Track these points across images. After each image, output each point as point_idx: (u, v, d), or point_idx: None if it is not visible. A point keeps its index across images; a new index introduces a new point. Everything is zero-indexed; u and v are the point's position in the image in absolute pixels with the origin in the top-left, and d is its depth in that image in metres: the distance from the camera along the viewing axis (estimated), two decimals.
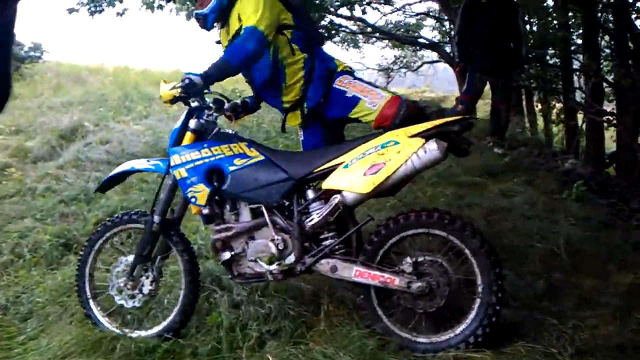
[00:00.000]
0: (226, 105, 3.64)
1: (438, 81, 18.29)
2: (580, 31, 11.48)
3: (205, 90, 3.46)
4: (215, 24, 3.68)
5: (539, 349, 2.95)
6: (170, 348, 3.22)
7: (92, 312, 3.66)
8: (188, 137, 3.48)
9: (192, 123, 3.48)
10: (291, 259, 3.24)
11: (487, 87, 7.34)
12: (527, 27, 11.71)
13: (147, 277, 3.58)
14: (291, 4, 3.58)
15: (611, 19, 10.76)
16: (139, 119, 10.20)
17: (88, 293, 3.70)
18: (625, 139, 9.09)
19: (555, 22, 11.56)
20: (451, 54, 13.52)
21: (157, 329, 3.51)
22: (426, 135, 2.98)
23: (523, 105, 13.46)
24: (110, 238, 3.76)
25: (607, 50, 12.26)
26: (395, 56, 18.05)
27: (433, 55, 17.34)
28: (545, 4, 11.99)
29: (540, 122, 14.62)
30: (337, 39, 16.83)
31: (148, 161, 3.73)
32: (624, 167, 9.36)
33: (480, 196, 5.32)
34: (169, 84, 3.33)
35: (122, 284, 3.59)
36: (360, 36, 17.16)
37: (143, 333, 3.50)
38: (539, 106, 13.69)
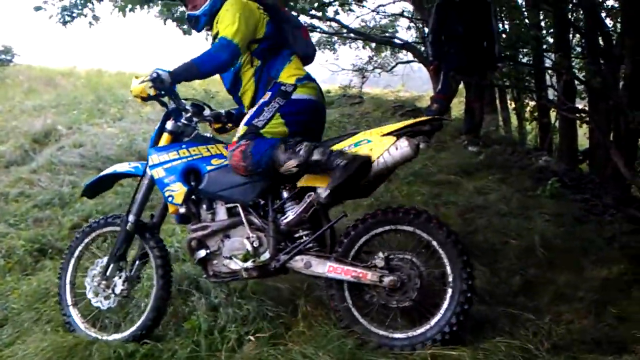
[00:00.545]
0: (207, 112, 3.69)
1: (413, 81, 18.36)
2: (552, 30, 11.61)
3: (185, 98, 3.52)
4: (206, 27, 3.69)
5: (515, 345, 2.98)
6: (149, 352, 3.19)
7: (72, 320, 3.64)
8: (165, 138, 3.53)
9: (169, 124, 3.54)
10: (266, 256, 3.27)
11: (461, 85, 7.38)
12: (500, 26, 11.80)
13: (120, 277, 3.59)
14: (275, 12, 3.58)
15: (582, 17, 10.88)
16: (112, 121, 10.13)
17: (69, 300, 3.69)
18: (598, 135, 9.20)
19: (527, 21, 11.67)
20: (425, 54, 13.59)
21: (130, 330, 3.51)
22: (398, 134, 3.05)
23: (497, 103, 13.55)
24: (89, 244, 3.77)
25: (578, 49, 12.40)
26: (369, 57, 18.09)
27: (408, 55, 17.40)
28: (517, 3, 12.10)
29: (514, 120, 14.75)
30: (313, 40, 16.80)
31: (129, 164, 3.77)
32: (597, 163, 9.47)
33: (455, 194, 5.36)
34: (139, 78, 3.32)
35: (96, 284, 3.59)
36: (336, 38, 17.17)
37: (118, 335, 3.49)
38: (513, 104, 13.82)
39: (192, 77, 3.38)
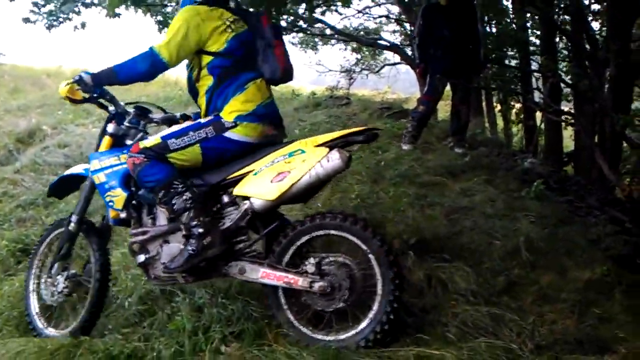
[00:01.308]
0: (158, 115, 3.75)
1: (400, 82, 18.43)
2: (539, 33, 11.69)
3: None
4: None
5: (499, 345, 3.01)
6: (133, 352, 3.17)
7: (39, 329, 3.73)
8: (106, 142, 3.60)
9: (110, 127, 3.61)
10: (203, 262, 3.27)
11: (448, 88, 7.39)
12: (487, 29, 11.87)
13: (63, 275, 3.67)
14: (252, 24, 3.46)
15: (568, 20, 10.96)
16: (98, 122, 10.06)
17: (40, 325, 3.77)
18: (583, 138, 9.28)
19: (514, 24, 11.74)
20: (412, 56, 13.62)
21: (65, 330, 3.62)
22: (331, 145, 3.11)
23: (483, 106, 13.62)
24: (45, 253, 3.86)
25: (565, 52, 12.50)
26: (357, 58, 18.12)
27: (395, 57, 17.46)
28: (504, 6, 12.17)
29: (500, 122, 14.84)
30: (295, 40, 16.90)
31: (82, 166, 3.85)
32: (582, 165, 9.56)
33: (441, 195, 5.36)
34: (66, 81, 3.40)
35: (43, 282, 3.72)
36: (318, 38, 17.21)
37: (55, 332, 3.64)
38: (499, 107, 13.90)
39: (112, 82, 3.40)
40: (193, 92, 3.51)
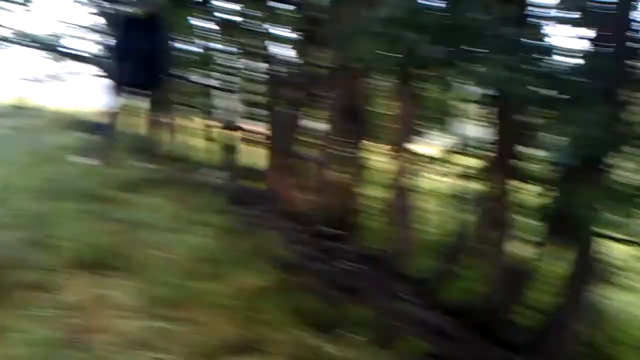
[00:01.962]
0: None
1: (92, 94, 17.73)
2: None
3: None
4: None
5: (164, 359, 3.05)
6: None
7: None
8: None
9: None
10: None
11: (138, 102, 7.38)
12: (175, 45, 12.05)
13: None
14: None
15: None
16: None
17: None
18: (268, 153, 9.89)
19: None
20: (104, 68, 13.28)
21: None
22: None
23: (173, 120, 13.76)
24: None
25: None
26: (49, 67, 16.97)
27: (88, 68, 16.79)
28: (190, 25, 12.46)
29: (191, 137, 15.11)
30: None
31: None
32: (262, 179, 10.16)
33: (123, 210, 5.30)
34: None
35: None
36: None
37: None
38: (190, 122, 14.16)
39: None
40: None
